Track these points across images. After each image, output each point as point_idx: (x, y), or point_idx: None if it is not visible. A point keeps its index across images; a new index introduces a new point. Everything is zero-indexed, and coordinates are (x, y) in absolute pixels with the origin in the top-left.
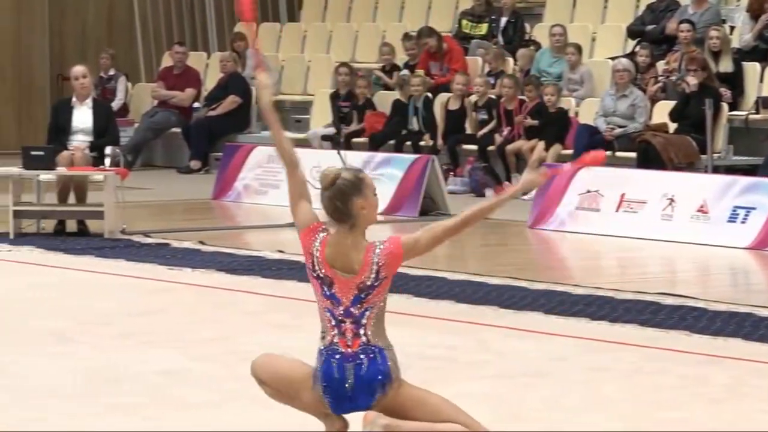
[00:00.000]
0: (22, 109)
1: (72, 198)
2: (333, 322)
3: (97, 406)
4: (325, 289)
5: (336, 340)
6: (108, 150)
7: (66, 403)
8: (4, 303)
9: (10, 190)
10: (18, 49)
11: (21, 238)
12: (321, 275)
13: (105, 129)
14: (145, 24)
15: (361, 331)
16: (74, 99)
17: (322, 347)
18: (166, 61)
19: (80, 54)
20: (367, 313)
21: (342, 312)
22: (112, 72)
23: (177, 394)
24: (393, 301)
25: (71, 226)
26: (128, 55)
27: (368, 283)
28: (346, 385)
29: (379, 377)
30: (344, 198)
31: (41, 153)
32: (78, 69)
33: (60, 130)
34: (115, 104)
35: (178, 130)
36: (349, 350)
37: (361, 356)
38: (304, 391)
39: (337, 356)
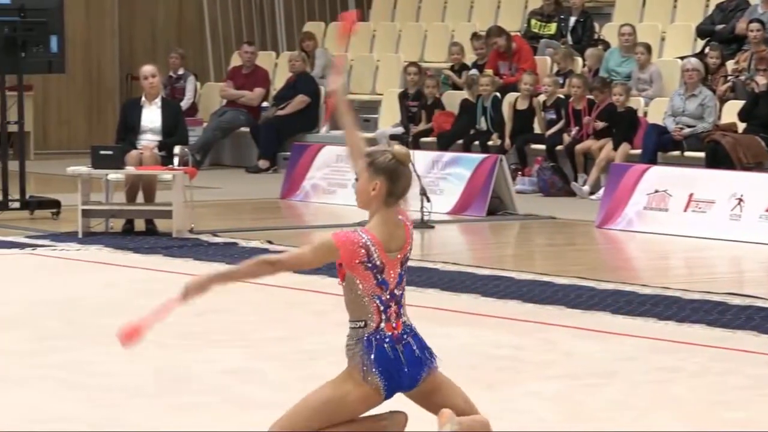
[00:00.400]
0: (92, 108)
1: (140, 197)
2: (381, 308)
3: (166, 405)
4: (378, 276)
5: (382, 325)
6: (177, 149)
7: (135, 402)
8: (73, 302)
9: (79, 189)
10: (88, 49)
11: (90, 237)
12: (377, 264)
13: (174, 128)
14: (214, 24)
15: (402, 311)
16: (143, 98)
17: (367, 335)
18: (235, 60)
19: (150, 54)
20: (404, 292)
21: (389, 296)
22: (181, 71)
23: (244, 394)
24: (461, 301)
25: (140, 225)
26: (197, 54)
27: (408, 255)
28: (403, 364)
29: (425, 352)
30: None
31: (110, 152)
32: (147, 68)
33: (129, 129)
34: (184, 104)
35: (246, 129)
36: (395, 332)
37: (405, 336)
38: (353, 393)
39: (387, 340)
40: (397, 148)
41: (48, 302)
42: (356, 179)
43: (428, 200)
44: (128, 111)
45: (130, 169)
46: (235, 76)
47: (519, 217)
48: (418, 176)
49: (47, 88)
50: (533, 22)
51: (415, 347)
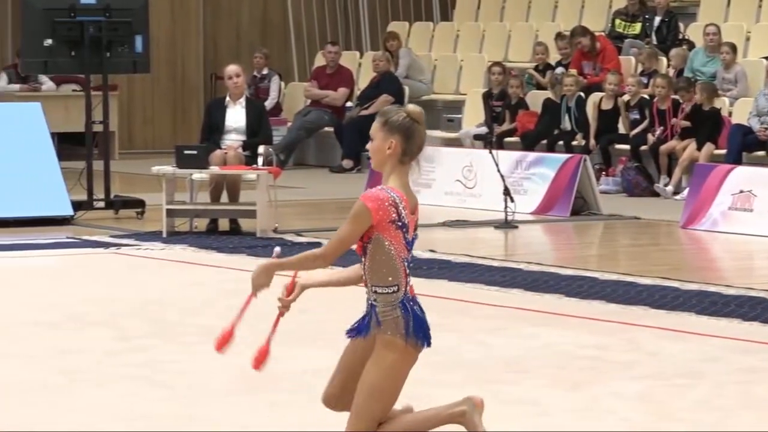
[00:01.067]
0: (176, 108)
1: (224, 197)
2: (407, 271)
3: (255, 403)
4: (406, 235)
5: (407, 288)
6: (261, 149)
7: (220, 401)
8: (159, 301)
9: (164, 188)
10: (173, 49)
11: (174, 237)
12: (405, 222)
13: (258, 128)
14: (298, 24)
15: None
16: (228, 98)
17: (401, 299)
18: (319, 60)
19: (234, 54)
20: None
21: (411, 257)
22: (265, 71)
23: None
24: (544, 301)
25: (224, 224)
26: (281, 54)
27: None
28: (426, 322)
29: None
30: None
31: (194, 152)
32: (232, 68)
33: (213, 129)
34: (269, 103)
35: (330, 129)
36: (413, 294)
37: (416, 297)
38: (398, 359)
39: (412, 302)
40: (411, 107)
41: (132, 301)
42: (370, 140)
43: (512, 200)
44: (212, 111)
45: (215, 169)
46: (319, 76)
47: (603, 217)
48: (502, 176)
49: (132, 88)
50: (617, 21)
51: (422, 309)
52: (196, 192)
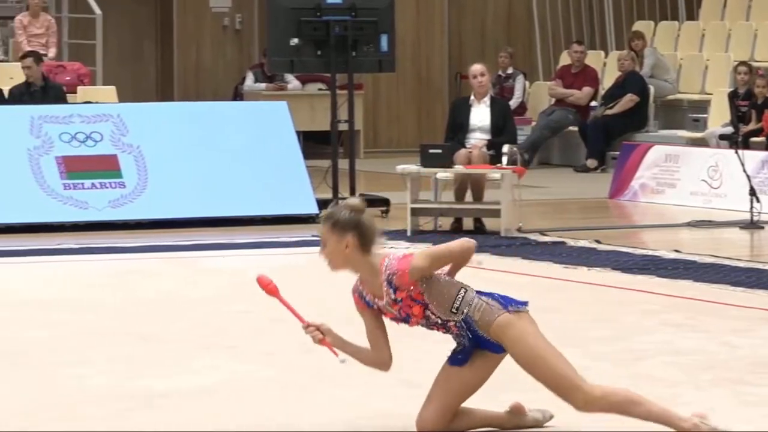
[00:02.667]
0: (421, 107)
1: (469, 196)
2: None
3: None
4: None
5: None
6: (505, 148)
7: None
8: None
9: (408, 187)
10: (418, 48)
11: (418, 235)
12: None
13: (502, 127)
14: (543, 23)
15: None
16: (472, 97)
17: (474, 292)
18: (564, 59)
19: (478, 53)
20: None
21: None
22: (510, 70)
23: None
24: (762, 299)
25: (468, 224)
26: (526, 53)
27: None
28: None
29: None
30: None
31: (439, 151)
32: (476, 67)
33: (458, 128)
34: (513, 102)
35: (574, 128)
36: None
37: None
38: (523, 320)
39: None
40: (349, 201)
41: None
42: (322, 247)
43: (758, 200)
44: (457, 109)
45: (459, 168)
46: (563, 75)
47: None
48: (748, 177)
49: (377, 87)
50: None
51: None
52: (441, 191)
